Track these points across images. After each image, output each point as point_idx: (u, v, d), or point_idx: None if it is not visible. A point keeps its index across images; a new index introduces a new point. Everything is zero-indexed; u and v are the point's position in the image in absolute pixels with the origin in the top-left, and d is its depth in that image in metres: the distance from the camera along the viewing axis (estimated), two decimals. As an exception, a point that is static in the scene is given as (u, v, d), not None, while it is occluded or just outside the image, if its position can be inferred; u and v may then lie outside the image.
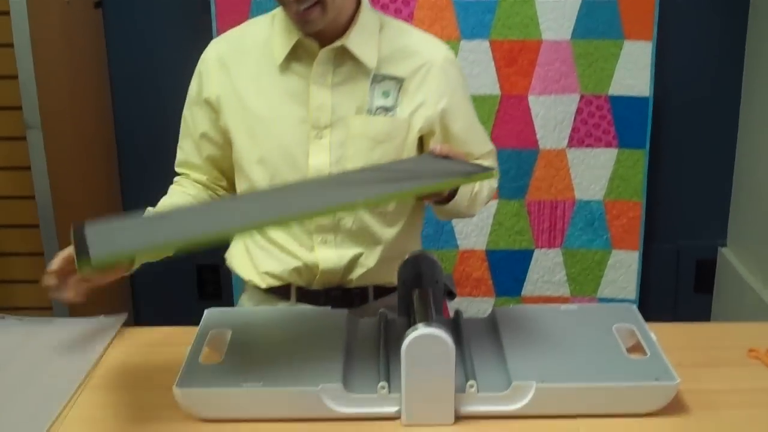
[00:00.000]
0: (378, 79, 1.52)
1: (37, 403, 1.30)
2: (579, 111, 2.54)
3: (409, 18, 2.45)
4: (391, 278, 1.62)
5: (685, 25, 2.62)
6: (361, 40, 1.50)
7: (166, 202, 1.57)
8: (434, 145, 1.42)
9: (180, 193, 1.60)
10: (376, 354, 1.34)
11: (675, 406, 1.28)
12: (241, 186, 1.60)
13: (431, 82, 1.54)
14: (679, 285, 2.87)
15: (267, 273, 1.59)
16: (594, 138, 2.57)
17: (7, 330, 1.53)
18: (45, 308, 2.28)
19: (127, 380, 1.37)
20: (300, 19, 1.43)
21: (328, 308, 1.51)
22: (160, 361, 1.43)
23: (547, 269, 2.68)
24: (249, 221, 1.24)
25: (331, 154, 1.51)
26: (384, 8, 2.44)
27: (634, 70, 2.51)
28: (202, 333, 1.39)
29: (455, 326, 1.42)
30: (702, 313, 2.86)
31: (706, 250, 2.84)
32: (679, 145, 2.74)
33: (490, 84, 2.51)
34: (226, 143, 1.58)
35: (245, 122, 1.53)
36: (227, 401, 1.24)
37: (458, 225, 2.62)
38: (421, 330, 1.20)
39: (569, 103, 2.54)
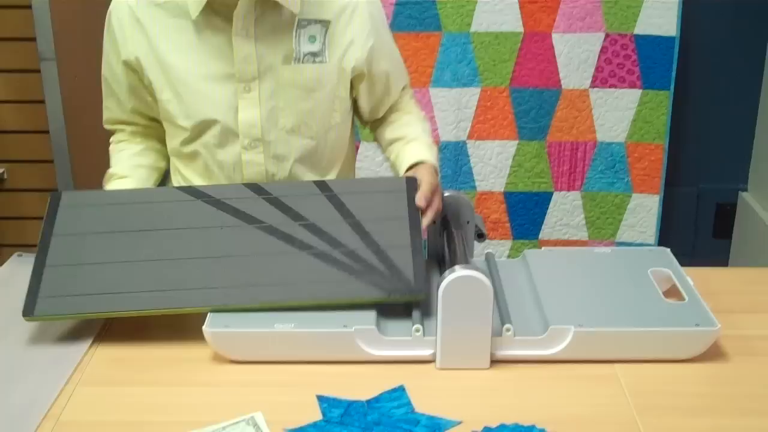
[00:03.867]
0: (303, 24, 1.45)
1: (62, 342, 1.28)
2: (603, 50, 2.48)
3: (432, -49, 2.38)
4: None
5: (715, -38, 2.55)
6: None
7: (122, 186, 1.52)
8: (419, 196, 1.37)
9: (130, 167, 1.56)
10: (409, 296, 1.32)
11: (714, 352, 1.25)
12: (171, 142, 1.55)
13: (357, 21, 1.49)
14: (698, 230, 2.84)
15: None
16: (618, 78, 2.52)
17: (26, 268, 1.49)
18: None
19: (153, 319, 1.33)
20: None
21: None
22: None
23: (565, 212, 2.64)
24: (194, 303, 1.26)
25: (262, 107, 1.46)
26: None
27: (661, 9, 2.45)
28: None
29: (488, 269, 1.39)
30: (720, 259, 2.83)
31: (726, 194, 2.80)
32: (703, 87, 2.68)
33: (512, 21, 2.44)
34: (152, 100, 1.52)
35: (169, 82, 1.46)
36: (259, 343, 1.21)
37: (476, 166, 2.57)
38: (459, 272, 1.16)
39: (593, 42, 2.47)
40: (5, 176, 2.32)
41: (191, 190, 1.40)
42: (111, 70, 1.52)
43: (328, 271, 1.27)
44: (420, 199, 1.36)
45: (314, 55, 1.46)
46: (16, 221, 2.35)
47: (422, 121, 1.62)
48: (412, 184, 1.40)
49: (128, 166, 1.56)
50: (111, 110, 1.57)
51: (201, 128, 1.48)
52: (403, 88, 1.64)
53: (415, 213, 1.36)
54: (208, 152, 1.50)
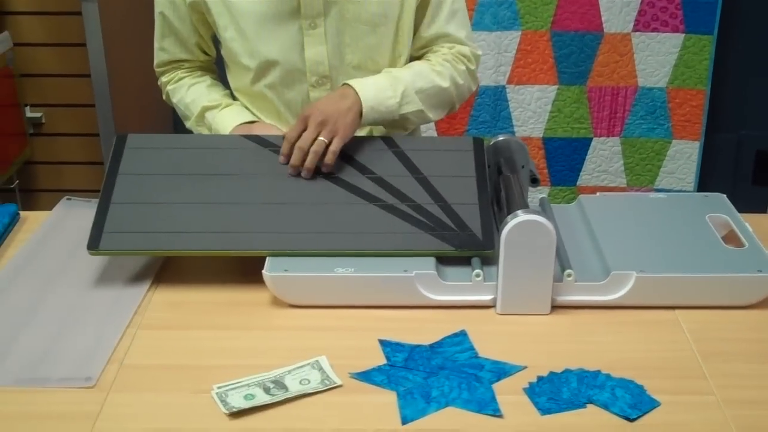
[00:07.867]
0: None
1: (120, 284, 1.28)
2: (647, -8, 2.44)
3: None
4: None
5: None
6: None
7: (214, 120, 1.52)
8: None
9: (225, 95, 1.56)
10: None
11: (774, 299, 1.24)
12: (238, 81, 1.54)
13: None
14: (738, 177, 2.80)
15: None
16: (660, 22, 2.47)
17: (77, 213, 1.49)
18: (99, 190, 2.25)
19: (209, 263, 1.33)
20: None
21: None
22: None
23: (604, 158, 2.61)
24: (258, 247, 1.25)
25: (328, 43, 1.45)
26: None
27: (707, -50, 2.40)
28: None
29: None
30: (759, 207, 2.79)
31: (766, 141, 2.75)
32: (747, 32, 2.62)
33: (555, -37, 2.40)
34: (212, 38, 1.53)
35: (233, 20, 1.45)
36: (319, 287, 1.20)
37: (515, 111, 2.54)
38: (522, 217, 1.15)
39: (638, -16, 2.43)
40: (43, 120, 2.31)
41: (258, 139, 1.39)
42: (173, 6, 1.49)
43: (395, 223, 1.27)
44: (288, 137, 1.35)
45: None
46: (53, 166, 2.34)
47: (428, 68, 1.49)
48: (479, 144, 1.39)
49: (222, 94, 1.56)
50: (167, 51, 1.55)
51: (264, 68, 1.46)
52: (459, 42, 1.54)
53: (483, 172, 1.35)
54: (274, 93, 1.49)
